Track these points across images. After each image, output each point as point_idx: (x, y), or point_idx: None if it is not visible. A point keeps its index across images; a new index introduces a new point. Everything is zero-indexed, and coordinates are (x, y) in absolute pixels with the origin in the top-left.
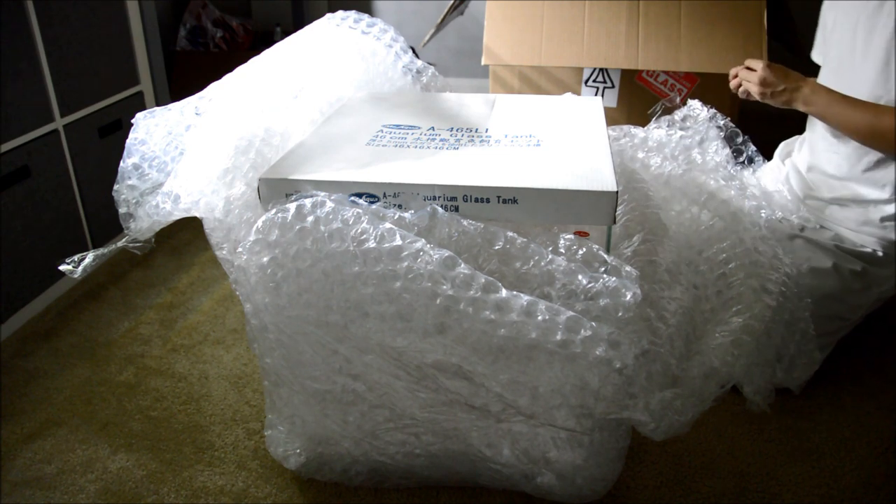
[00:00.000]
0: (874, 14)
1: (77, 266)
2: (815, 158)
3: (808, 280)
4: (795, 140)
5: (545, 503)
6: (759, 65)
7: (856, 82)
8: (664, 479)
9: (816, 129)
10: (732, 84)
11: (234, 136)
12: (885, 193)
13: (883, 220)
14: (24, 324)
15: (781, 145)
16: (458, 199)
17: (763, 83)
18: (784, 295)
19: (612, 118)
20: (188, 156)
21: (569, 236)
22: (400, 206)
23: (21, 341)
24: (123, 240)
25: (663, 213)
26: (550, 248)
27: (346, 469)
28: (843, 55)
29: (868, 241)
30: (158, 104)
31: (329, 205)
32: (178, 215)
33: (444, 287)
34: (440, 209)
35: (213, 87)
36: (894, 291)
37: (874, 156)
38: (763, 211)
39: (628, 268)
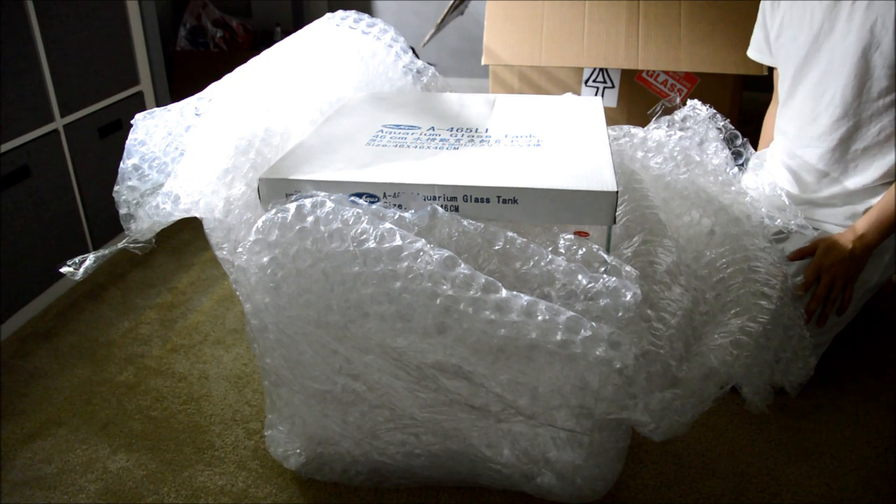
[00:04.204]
0: (830, 12)
1: (78, 268)
2: (796, 160)
3: (800, 276)
4: (765, 153)
5: (545, 503)
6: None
7: (825, 83)
8: (664, 479)
9: (789, 133)
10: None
11: (234, 136)
12: (868, 179)
13: (866, 211)
14: (24, 324)
15: (752, 162)
16: (458, 199)
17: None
18: (781, 300)
19: (612, 118)
20: (188, 156)
21: (569, 236)
22: (400, 206)
23: (21, 341)
24: (124, 241)
25: (663, 215)
26: (550, 248)
27: (346, 469)
28: (802, 55)
29: None
30: (158, 104)
31: (329, 205)
32: (178, 216)
33: (444, 287)
34: (440, 209)
35: (213, 87)
36: (883, 280)
37: (859, 143)
38: (764, 218)
39: (628, 268)
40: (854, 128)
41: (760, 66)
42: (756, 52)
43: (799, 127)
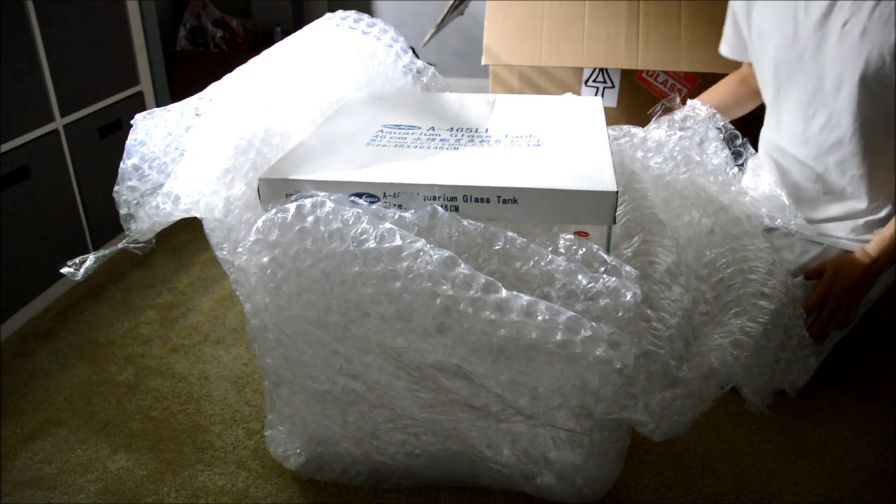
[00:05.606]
0: (817, 31)
1: (78, 268)
2: (790, 180)
3: (800, 276)
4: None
5: (545, 503)
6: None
7: (816, 104)
8: (664, 479)
9: (783, 151)
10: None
11: (234, 136)
12: (863, 204)
13: (868, 224)
14: (24, 324)
15: (751, 163)
16: (458, 199)
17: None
18: (781, 300)
19: (612, 118)
20: (188, 156)
21: (569, 236)
22: (400, 206)
23: (21, 341)
24: (124, 241)
25: (663, 215)
26: (550, 248)
27: (346, 469)
28: (787, 70)
29: (856, 247)
30: (158, 104)
31: (329, 205)
32: (178, 216)
33: (444, 287)
34: (440, 209)
35: (213, 87)
36: (883, 292)
37: (856, 170)
38: (764, 218)
39: (628, 268)
40: (851, 154)
41: None
42: (729, 49)
43: (790, 147)
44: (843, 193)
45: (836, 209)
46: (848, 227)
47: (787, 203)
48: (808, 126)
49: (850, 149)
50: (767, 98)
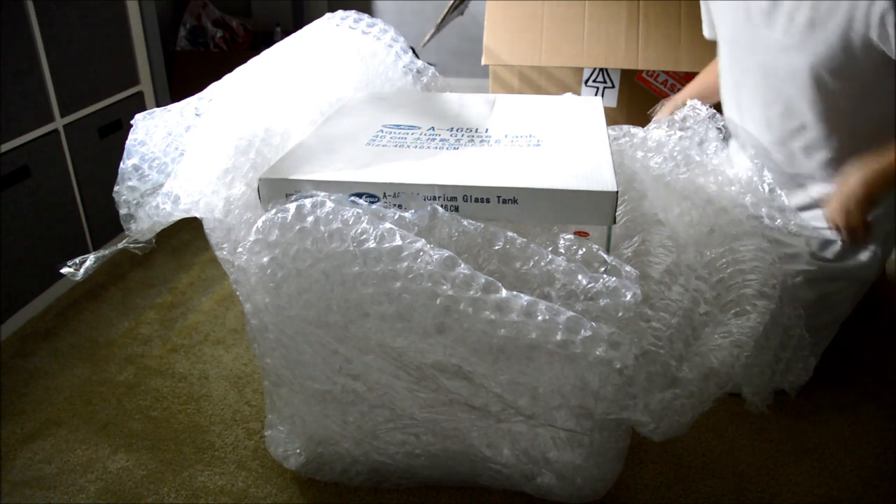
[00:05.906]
0: (769, 15)
1: (78, 268)
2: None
3: (800, 277)
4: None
5: (545, 503)
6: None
7: (773, 92)
8: (664, 479)
9: (748, 137)
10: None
11: (234, 136)
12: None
13: None
14: (24, 324)
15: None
16: (458, 199)
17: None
18: (781, 301)
19: (612, 118)
20: (188, 156)
21: (569, 236)
22: (400, 206)
23: (21, 341)
24: (124, 241)
25: (663, 215)
26: (550, 248)
27: (346, 469)
28: (743, 44)
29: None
30: (158, 104)
31: (329, 205)
32: (178, 216)
33: (444, 287)
34: (440, 209)
35: (213, 87)
36: (874, 276)
37: (822, 154)
38: (764, 219)
39: (628, 268)
40: (816, 139)
41: None
42: (710, 30)
43: (753, 130)
44: (811, 178)
45: (802, 197)
46: (822, 217)
47: (786, 203)
48: (767, 111)
49: (815, 134)
50: (724, 78)
